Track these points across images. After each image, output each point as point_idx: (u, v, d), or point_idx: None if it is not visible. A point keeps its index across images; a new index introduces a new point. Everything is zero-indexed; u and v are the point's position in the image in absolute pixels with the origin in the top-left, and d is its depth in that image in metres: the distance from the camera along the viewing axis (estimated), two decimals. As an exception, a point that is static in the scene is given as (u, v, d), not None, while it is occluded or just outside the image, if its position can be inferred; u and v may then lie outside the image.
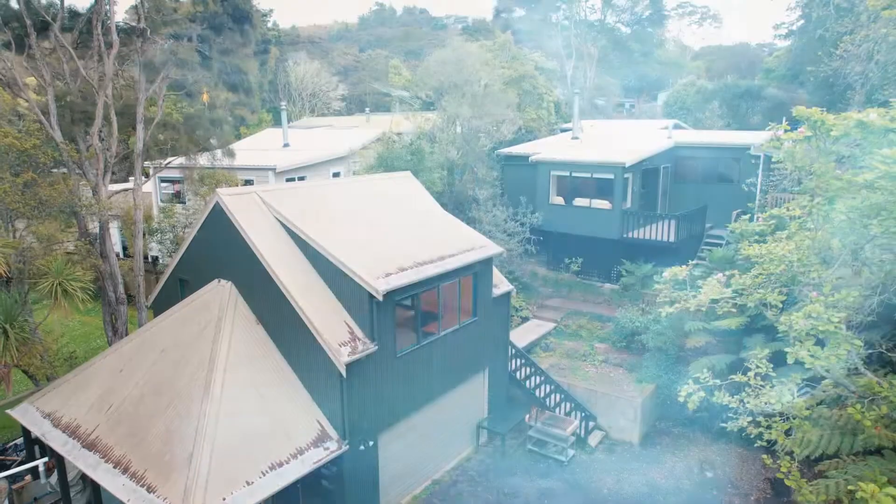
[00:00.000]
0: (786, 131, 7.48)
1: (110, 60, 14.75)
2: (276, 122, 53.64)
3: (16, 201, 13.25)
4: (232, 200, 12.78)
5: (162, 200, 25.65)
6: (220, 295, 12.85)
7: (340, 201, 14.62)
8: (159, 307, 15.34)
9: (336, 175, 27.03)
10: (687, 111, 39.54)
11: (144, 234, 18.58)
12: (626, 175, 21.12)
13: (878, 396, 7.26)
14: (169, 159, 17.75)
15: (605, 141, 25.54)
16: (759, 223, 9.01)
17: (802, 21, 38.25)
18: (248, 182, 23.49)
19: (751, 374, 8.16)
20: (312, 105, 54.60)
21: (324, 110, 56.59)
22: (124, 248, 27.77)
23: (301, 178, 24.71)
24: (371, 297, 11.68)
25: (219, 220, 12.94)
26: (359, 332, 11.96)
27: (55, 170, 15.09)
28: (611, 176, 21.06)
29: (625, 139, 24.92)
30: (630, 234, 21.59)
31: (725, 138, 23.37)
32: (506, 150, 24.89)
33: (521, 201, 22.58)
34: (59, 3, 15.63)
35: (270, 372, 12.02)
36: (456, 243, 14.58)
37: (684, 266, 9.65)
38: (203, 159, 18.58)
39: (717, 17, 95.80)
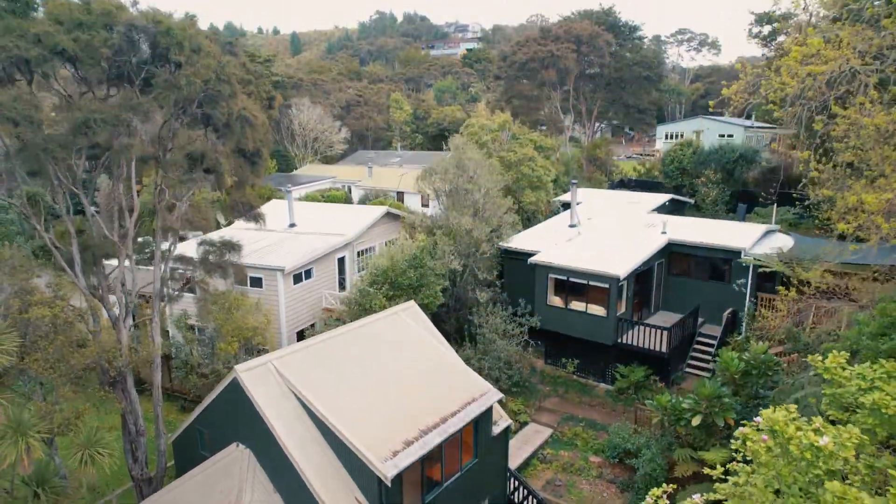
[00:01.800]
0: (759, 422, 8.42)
1: (132, 223, 15.69)
2: (281, 168, 54.72)
3: (46, 369, 14.19)
4: (248, 376, 13.70)
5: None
6: (239, 462, 13.79)
7: (348, 356, 15.53)
8: (179, 447, 16.48)
9: (341, 260, 27.99)
10: (683, 171, 40.44)
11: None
12: (620, 284, 22.02)
13: None
14: (182, 289, 18.68)
15: (602, 235, 26.41)
16: (737, 457, 9.84)
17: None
18: (257, 280, 24.45)
19: None
20: (316, 148, 55.66)
21: (326, 151, 57.71)
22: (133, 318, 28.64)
23: (308, 272, 25.65)
24: (380, 479, 12.60)
25: (236, 391, 13.88)
26: (368, 509, 12.88)
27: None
28: (606, 286, 21.97)
29: (621, 236, 25.78)
30: (624, 339, 22.52)
31: (717, 240, 24.22)
32: (505, 245, 25.78)
33: (520, 302, 23.54)
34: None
35: (286, 545, 12.95)
36: (458, 393, 15.48)
37: (665, 486, 10.49)
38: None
39: (716, 44, 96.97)
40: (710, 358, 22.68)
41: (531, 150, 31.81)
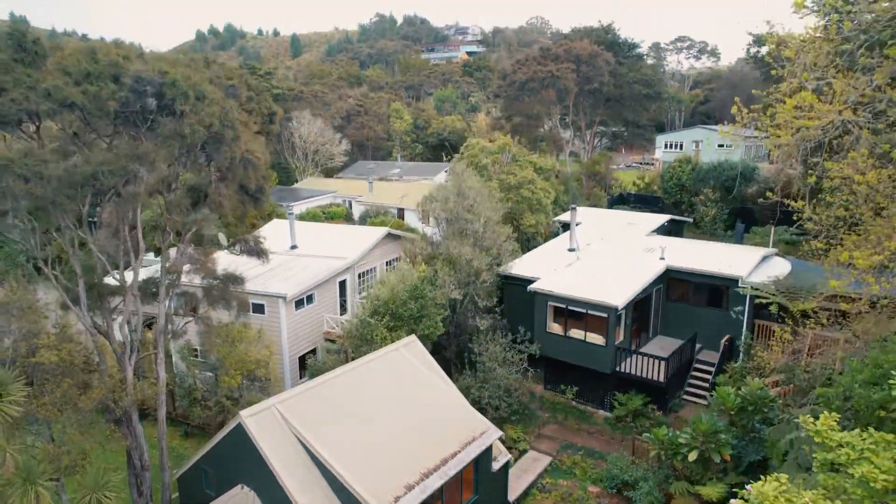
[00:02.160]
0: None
1: (138, 263, 15.95)
2: (282, 181, 54.96)
3: (53, 412, 14.45)
4: (252, 421, 13.97)
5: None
6: (242, 505, 14.06)
7: (350, 397, 15.81)
8: (184, 484, 16.81)
9: (342, 283, 28.25)
10: (682, 188, 40.69)
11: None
12: (619, 313, 22.27)
13: None
14: (187, 320, 18.96)
15: (601, 260, 26.66)
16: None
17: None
18: (259, 307, 24.70)
19: None
20: (316, 160, 56.00)
21: (327, 163, 58.06)
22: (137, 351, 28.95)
23: (309, 297, 25.90)
24: (381, 526, 12.87)
25: (241, 435, 14.15)
26: (370, 555, 13.14)
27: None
28: (604, 315, 22.22)
29: (620, 261, 26.03)
30: (622, 367, 22.76)
31: (715, 267, 24.44)
32: (505, 271, 26.01)
33: (519, 329, 23.78)
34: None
35: (290, 589, 13.22)
36: (459, 432, 15.76)
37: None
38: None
39: (715, 52, 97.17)
40: (707, 385, 22.92)
41: (531, 173, 32.05)
